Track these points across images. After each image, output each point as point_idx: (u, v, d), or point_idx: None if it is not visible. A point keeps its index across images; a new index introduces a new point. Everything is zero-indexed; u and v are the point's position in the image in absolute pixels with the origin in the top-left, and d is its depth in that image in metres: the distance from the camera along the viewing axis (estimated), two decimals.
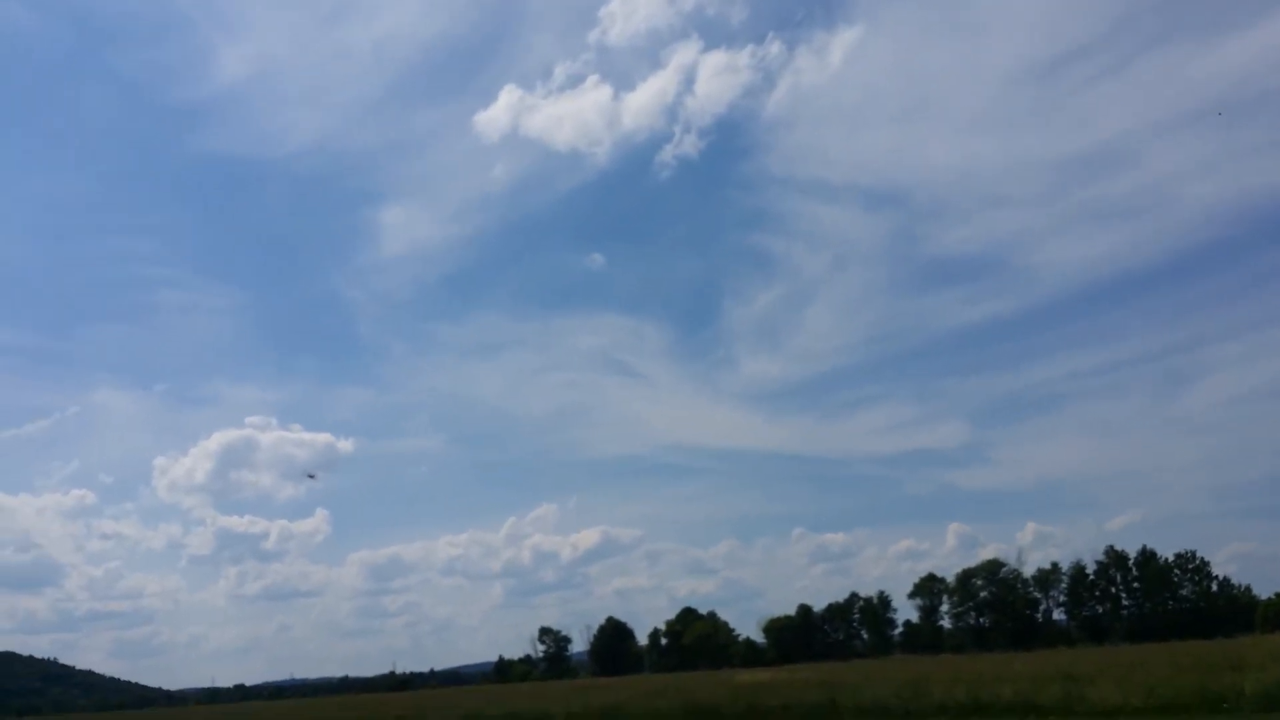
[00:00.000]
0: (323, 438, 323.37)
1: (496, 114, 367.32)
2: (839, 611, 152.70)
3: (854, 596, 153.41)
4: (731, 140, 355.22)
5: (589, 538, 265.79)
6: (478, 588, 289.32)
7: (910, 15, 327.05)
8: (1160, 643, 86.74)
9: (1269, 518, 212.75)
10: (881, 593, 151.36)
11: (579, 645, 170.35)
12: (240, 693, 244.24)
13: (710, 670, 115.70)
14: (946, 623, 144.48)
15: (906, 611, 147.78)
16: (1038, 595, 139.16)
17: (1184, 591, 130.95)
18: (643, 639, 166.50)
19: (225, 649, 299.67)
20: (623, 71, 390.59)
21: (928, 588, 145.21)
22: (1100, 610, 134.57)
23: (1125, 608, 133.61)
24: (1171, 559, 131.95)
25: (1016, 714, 36.54)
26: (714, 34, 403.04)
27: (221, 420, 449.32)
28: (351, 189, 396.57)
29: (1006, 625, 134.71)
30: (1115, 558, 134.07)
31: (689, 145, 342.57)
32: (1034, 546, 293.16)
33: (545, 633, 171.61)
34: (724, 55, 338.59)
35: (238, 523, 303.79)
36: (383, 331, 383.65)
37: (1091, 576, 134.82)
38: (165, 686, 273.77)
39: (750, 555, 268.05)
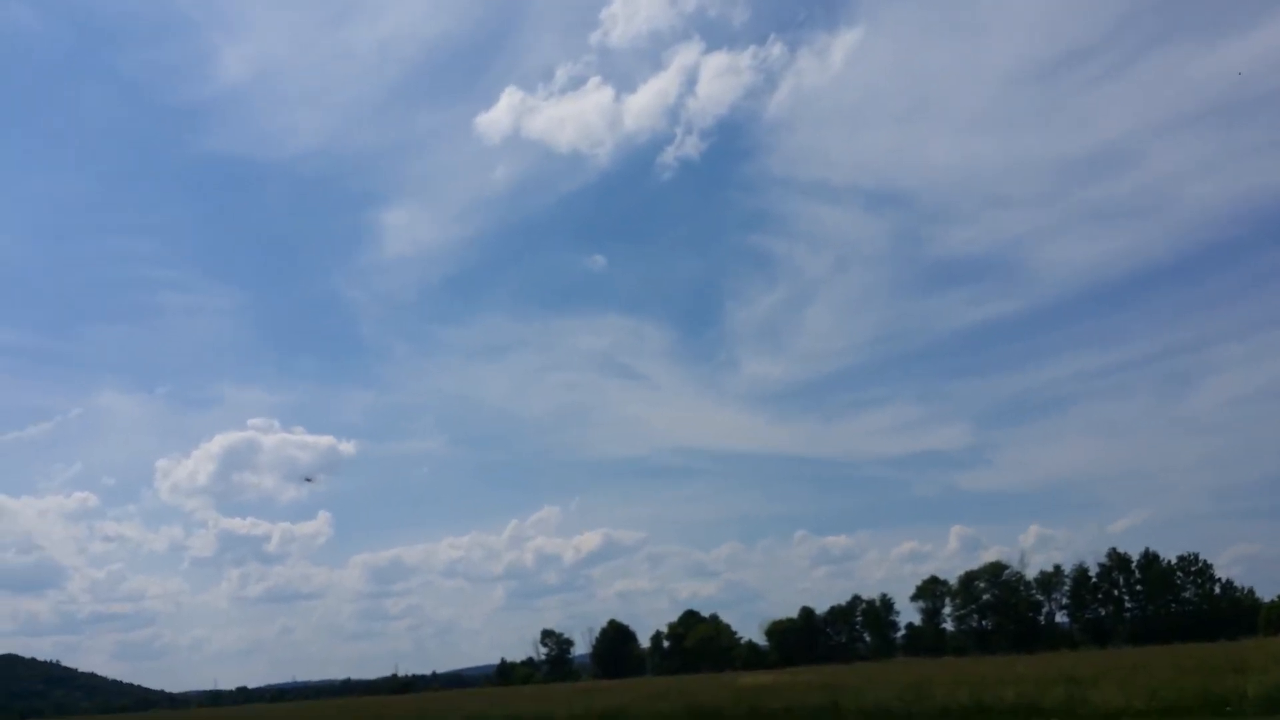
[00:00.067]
0: (325, 440, 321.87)
1: (498, 115, 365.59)
2: (841, 614, 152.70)
3: (856, 599, 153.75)
4: (733, 141, 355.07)
5: (591, 540, 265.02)
6: (480, 590, 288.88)
7: (911, 16, 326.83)
8: (1163, 645, 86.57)
9: (1272, 519, 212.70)
10: (884, 595, 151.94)
11: (581, 648, 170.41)
12: (242, 695, 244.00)
13: (712, 673, 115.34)
14: (949, 625, 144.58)
15: (909, 614, 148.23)
16: (1040, 598, 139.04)
17: (1187, 594, 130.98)
18: (645, 641, 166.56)
19: (227, 651, 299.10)
20: (624, 73, 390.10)
21: (930, 590, 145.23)
22: (1103, 613, 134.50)
23: (1128, 610, 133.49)
24: (1174, 561, 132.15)
25: (1019, 716, 36.58)
26: (715, 35, 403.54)
27: (224, 422, 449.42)
28: (353, 190, 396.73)
29: (1009, 628, 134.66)
30: (1118, 560, 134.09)
31: (690, 146, 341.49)
32: (1037, 549, 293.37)
33: (547, 635, 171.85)
34: (725, 56, 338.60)
35: (240, 525, 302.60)
36: (385, 333, 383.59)
37: (1094, 579, 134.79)
38: (167, 689, 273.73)
39: (752, 557, 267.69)
